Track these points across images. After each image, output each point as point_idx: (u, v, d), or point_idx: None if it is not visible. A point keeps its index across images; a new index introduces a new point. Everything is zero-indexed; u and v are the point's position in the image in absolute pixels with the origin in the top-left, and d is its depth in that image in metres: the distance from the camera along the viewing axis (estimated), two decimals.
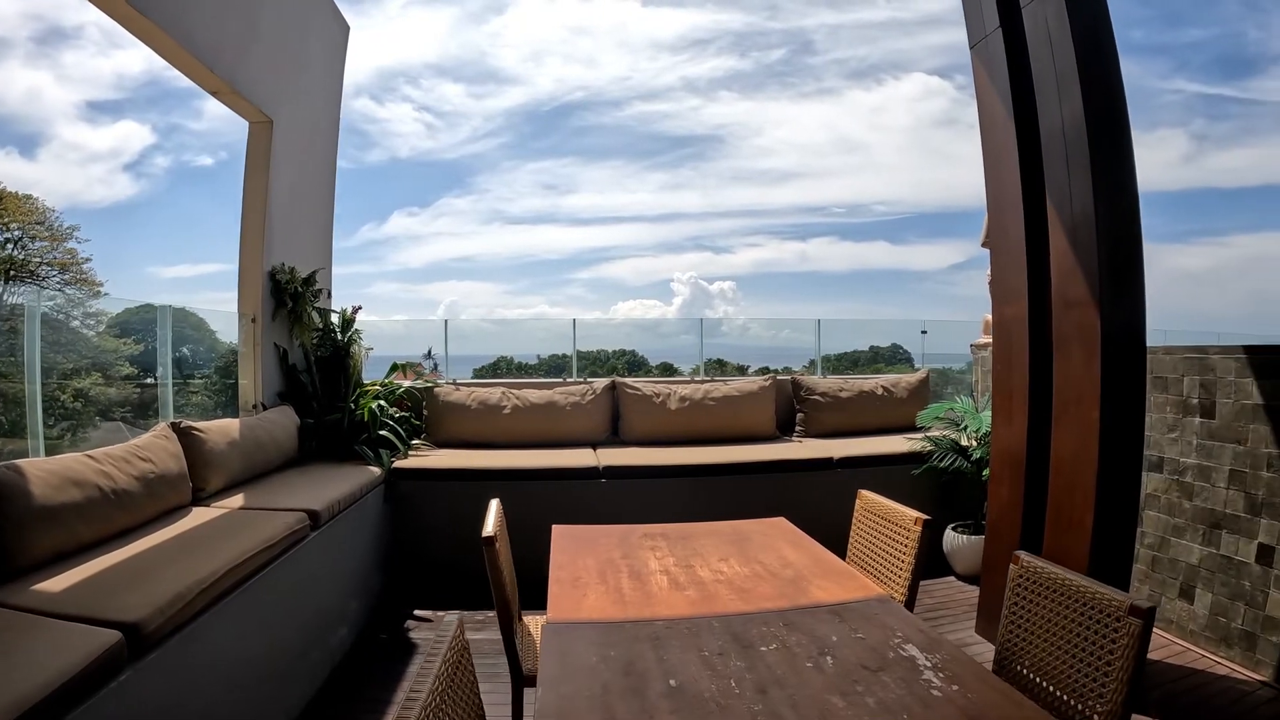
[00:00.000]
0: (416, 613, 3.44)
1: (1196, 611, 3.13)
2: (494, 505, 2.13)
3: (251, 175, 3.90)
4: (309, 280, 4.13)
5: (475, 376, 6.01)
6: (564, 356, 7.00)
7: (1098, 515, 2.68)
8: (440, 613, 3.44)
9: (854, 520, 2.46)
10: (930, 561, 3.95)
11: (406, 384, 4.46)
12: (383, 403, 4.14)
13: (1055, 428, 2.87)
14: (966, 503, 3.99)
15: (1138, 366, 2.76)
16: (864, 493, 2.43)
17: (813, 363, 5.82)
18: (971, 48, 3.27)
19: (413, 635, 3.23)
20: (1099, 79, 2.75)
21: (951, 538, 3.85)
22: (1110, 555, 2.72)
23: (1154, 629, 3.24)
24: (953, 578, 3.95)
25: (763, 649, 1.46)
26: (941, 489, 3.98)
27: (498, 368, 6.81)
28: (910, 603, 2.02)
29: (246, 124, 3.89)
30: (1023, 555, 1.72)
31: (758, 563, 2.05)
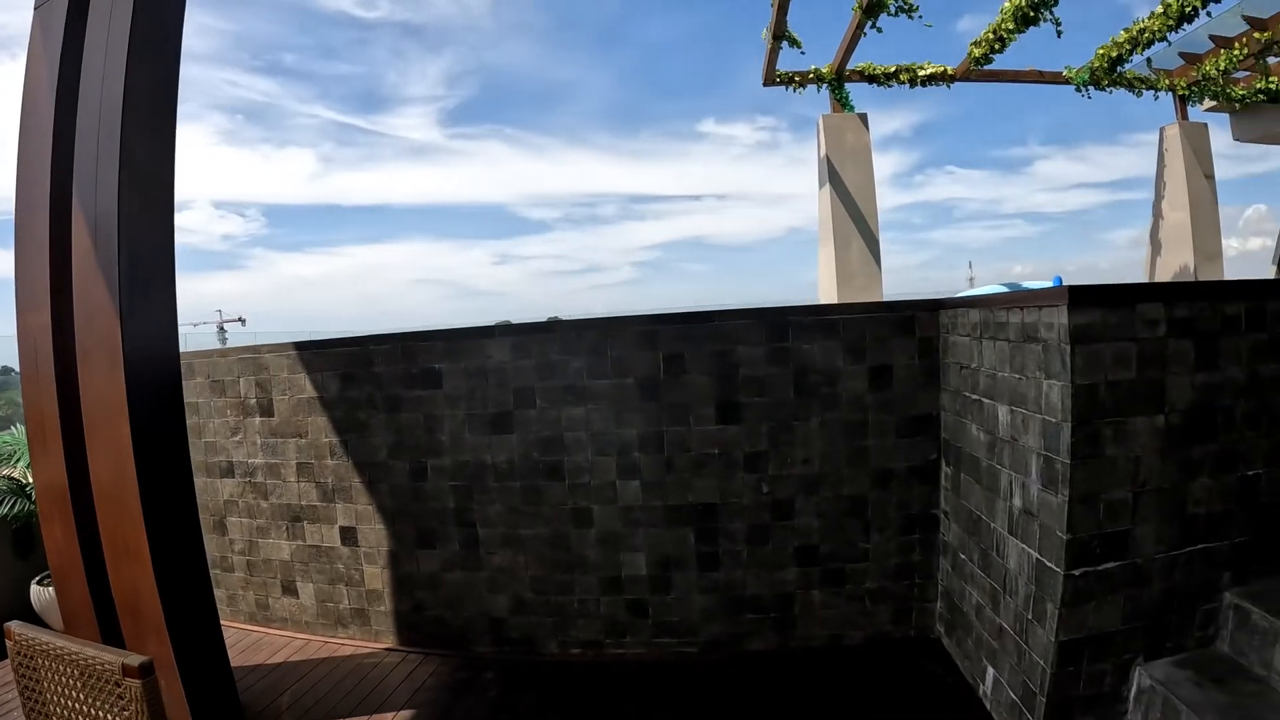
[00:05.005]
0: None
1: (304, 603, 3.23)
2: None
3: None
4: None
5: None
6: None
7: (153, 539, 2.47)
8: None
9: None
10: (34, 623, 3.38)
11: None
12: None
13: (90, 451, 2.56)
14: None
15: (171, 375, 2.63)
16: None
17: None
18: (36, 8, 2.78)
19: None
20: (151, 65, 2.57)
21: (39, 593, 3.33)
22: (181, 579, 2.56)
23: (270, 628, 3.32)
24: None
25: None
26: (16, 538, 3.44)
27: None
28: None
29: None
30: (14, 627, 1.42)
31: None
